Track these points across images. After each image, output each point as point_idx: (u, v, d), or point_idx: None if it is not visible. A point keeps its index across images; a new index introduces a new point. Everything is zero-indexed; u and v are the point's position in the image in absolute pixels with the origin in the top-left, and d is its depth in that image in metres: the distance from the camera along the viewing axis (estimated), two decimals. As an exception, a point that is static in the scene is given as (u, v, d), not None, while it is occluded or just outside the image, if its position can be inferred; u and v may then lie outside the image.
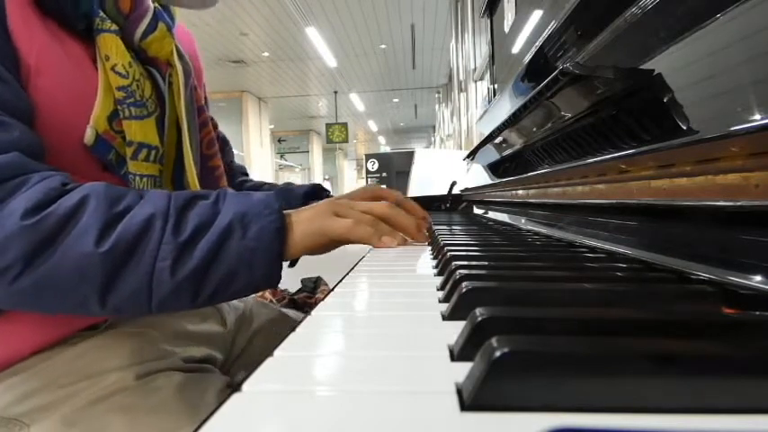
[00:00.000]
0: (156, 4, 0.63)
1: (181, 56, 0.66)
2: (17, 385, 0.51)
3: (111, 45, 0.56)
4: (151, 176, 0.60)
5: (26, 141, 0.47)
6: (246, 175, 0.98)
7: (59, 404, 0.51)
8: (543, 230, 0.73)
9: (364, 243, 0.56)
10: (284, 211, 0.51)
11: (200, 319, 0.68)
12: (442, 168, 2.76)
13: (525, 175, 0.85)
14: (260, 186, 0.93)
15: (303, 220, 0.52)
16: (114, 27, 0.57)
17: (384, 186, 0.73)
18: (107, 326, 0.58)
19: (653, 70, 0.40)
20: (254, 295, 0.85)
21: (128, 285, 0.44)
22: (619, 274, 0.40)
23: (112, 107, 0.56)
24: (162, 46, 0.62)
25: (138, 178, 0.58)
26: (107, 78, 0.56)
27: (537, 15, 1.00)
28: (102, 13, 0.56)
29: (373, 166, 11.53)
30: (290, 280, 1.28)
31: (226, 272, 0.46)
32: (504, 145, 1.16)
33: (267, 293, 1.05)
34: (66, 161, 0.51)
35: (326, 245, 0.54)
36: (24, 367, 0.52)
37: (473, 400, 0.17)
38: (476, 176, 1.54)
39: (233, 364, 0.72)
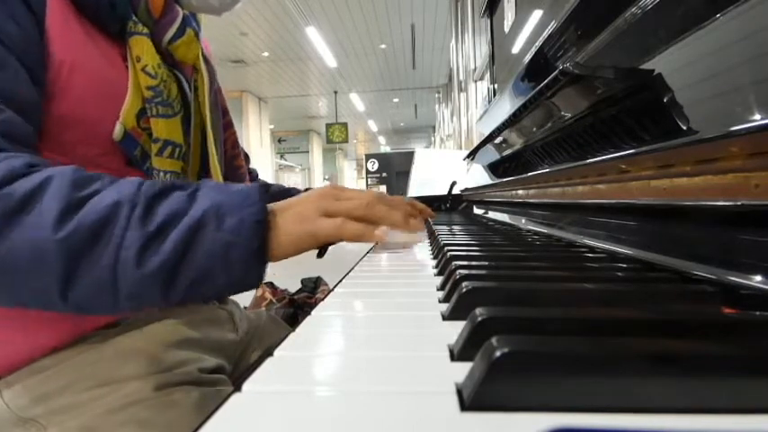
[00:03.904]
0: (185, 11, 0.66)
1: (206, 60, 0.69)
2: (36, 386, 0.51)
3: (142, 47, 0.59)
4: (174, 173, 0.62)
5: (8, 126, 0.45)
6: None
7: (78, 408, 0.51)
8: (543, 230, 0.73)
9: (357, 240, 0.52)
10: (268, 206, 0.47)
11: (215, 325, 0.68)
12: (442, 168, 2.75)
13: (525, 175, 0.85)
14: (284, 191, 0.95)
15: (289, 220, 0.48)
16: (145, 30, 0.60)
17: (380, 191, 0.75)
18: (126, 324, 0.58)
19: (653, 70, 0.40)
20: (267, 311, 0.85)
21: (90, 277, 0.41)
22: (619, 274, 0.40)
23: (140, 105, 0.58)
24: (189, 50, 0.65)
25: (161, 174, 0.60)
26: (137, 78, 0.58)
27: (537, 15, 1.00)
28: (134, 17, 0.59)
29: (373, 166, 11.54)
30: (291, 280, 1.28)
31: (199, 267, 0.43)
32: (504, 145, 1.16)
33: (267, 293, 1.05)
34: (95, 154, 0.52)
35: (317, 246, 0.51)
36: (43, 367, 0.52)
37: (473, 400, 0.17)
38: (476, 176, 1.54)
39: (241, 376, 0.71)
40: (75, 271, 0.41)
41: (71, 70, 0.52)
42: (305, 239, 0.48)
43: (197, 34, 0.66)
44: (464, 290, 0.31)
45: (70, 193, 0.41)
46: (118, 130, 0.56)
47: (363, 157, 13.58)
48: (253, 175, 0.99)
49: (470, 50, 5.37)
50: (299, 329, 0.29)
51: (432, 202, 1.83)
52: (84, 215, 0.41)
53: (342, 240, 0.52)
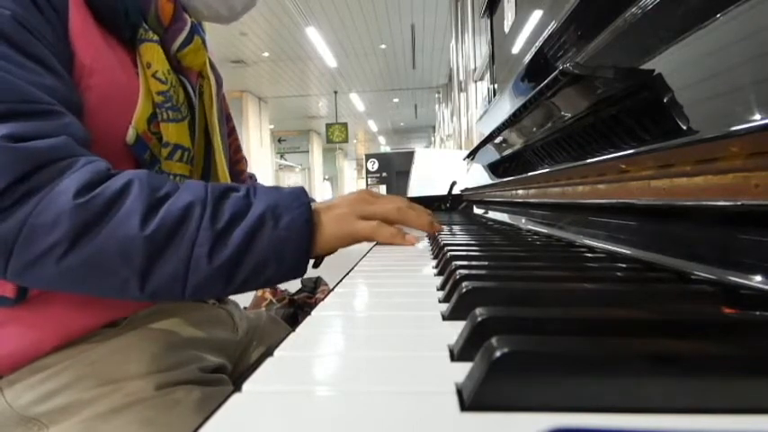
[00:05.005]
0: (193, 19, 0.68)
1: (213, 67, 0.71)
2: (38, 385, 0.52)
3: (153, 53, 0.61)
4: (182, 176, 0.64)
5: (74, 129, 0.49)
6: None
7: (80, 407, 0.51)
8: (543, 230, 0.73)
9: (390, 243, 0.61)
10: (312, 205, 0.53)
11: (215, 325, 0.68)
12: (442, 168, 2.76)
13: (525, 175, 0.85)
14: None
15: (331, 221, 0.54)
16: (155, 37, 0.62)
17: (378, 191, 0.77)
18: (127, 323, 0.59)
19: (653, 70, 0.40)
20: (267, 311, 0.86)
21: (167, 269, 0.46)
22: (619, 274, 0.40)
23: (151, 110, 0.60)
24: (196, 57, 0.67)
25: (170, 177, 0.62)
26: (147, 83, 0.60)
27: (537, 15, 1.00)
28: (144, 24, 0.61)
29: (373, 166, 11.53)
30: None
31: (258, 260, 0.48)
32: (504, 145, 1.16)
33: (267, 293, 1.05)
34: (109, 157, 0.53)
35: (353, 244, 0.57)
36: (45, 366, 0.53)
37: (473, 400, 0.17)
38: (476, 176, 1.54)
39: (241, 376, 0.72)
40: (155, 264, 0.45)
41: (90, 73, 0.54)
42: (344, 238, 0.55)
43: (204, 42, 0.68)
44: (464, 290, 0.31)
45: (150, 194, 0.46)
46: (131, 134, 0.57)
47: (363, 156, 13.57)
48: (253, 180, 0.99)
49: (470, 50, 5.36)
50: (299, 329, 0.29)
51: (432, 202, 1.83)
52: (164, 214, 0.46)
53: (376, 241, 0.59)
